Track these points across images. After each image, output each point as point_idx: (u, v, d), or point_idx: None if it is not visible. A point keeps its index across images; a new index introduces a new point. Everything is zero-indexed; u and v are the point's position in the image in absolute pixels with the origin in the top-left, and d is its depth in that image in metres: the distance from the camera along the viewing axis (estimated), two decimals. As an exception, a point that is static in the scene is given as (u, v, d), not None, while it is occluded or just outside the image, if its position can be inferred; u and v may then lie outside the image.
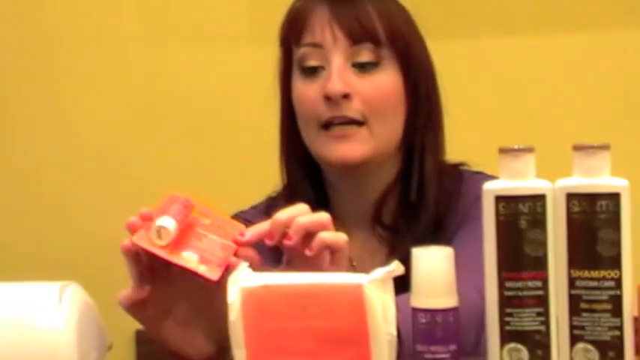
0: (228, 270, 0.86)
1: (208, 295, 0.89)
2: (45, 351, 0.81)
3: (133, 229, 0.88)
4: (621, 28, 1.69)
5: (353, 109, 1.08)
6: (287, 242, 0.90)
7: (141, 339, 1.69)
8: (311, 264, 0.89)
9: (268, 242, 0.91)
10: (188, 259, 0.88)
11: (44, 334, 0.81)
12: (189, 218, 0.91)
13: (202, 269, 0.88)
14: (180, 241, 0.89)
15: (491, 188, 0.79)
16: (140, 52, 1.75)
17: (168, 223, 0.88)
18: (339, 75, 1.08)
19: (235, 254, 0.90)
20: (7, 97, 1.77)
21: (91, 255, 1.70)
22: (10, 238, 1.74)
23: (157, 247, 0.87)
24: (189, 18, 1.75)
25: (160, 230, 0.87)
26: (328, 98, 1.08)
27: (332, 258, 0.91)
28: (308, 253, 0.90)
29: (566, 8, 1.69)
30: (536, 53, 1.69)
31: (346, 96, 1.08)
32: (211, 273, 0.87)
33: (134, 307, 0.91)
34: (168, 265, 0.89)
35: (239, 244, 0.91)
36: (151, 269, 0.90)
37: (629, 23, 1.69)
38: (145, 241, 0.87)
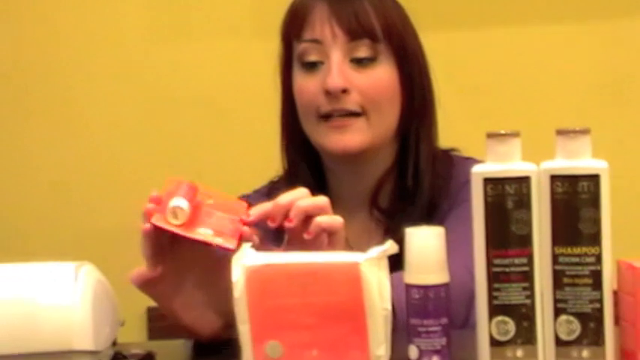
0: (241, 240, 0.91)
1: (215, 272, 0.93)
2: (61, 327, 0.83)
3: (149, 215, 0.92)
4: (604, 17, 1.72)
5: (351, 102, 1.13)
6: (288, 224, 0.94)
7: (152, 315, 1.71)
8: (310, 245, 0.93)
9: (271, 224, 0.95)
10: (204, 234, 0.93)
11: (61, 311, 0.84)
12: (195, 199, 0.96)
13: (219, 241, 0.92)
14: (192, 219, 0.93)
15: (479, 171, 0.82)
16: (144, 47, 1.76)
17: (182, 203, 0.92)
18: (338, 70, 1.12)
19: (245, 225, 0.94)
20: (26, 88, 1.80)
21: (104, 237, 1.74)
22: (29, 223, 1.78)
23: (175, 226, 0.91)
24: (193, 13, 1.76)
25: (175, 210, 0.91)
26: (328, 92, 1.12)
27: (329, 240, 0.95)
28: (306, 236, 0.93)
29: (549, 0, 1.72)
30: (521, 43, 1.72)
31: (345, 90, 1.12)
32: (228, 243, 0.91)
33: (146, 285, 0.94)
34: (179, 244, 0.93)
35: (245, 223, 0.94)
36: (163, 249, 0.94)
37: (612, 13, 1.72)
38: (163, 222, 0.92)
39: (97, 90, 1.79)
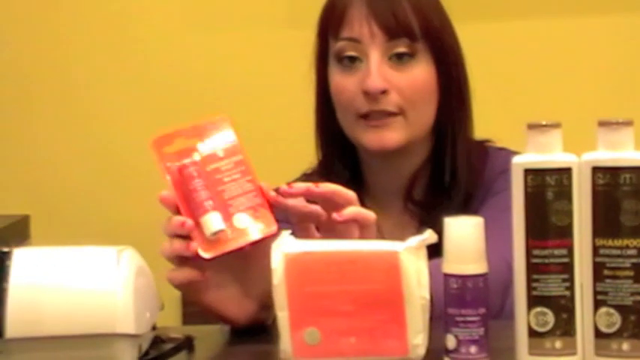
0: (272, 209, 0.90)
1: (247, 258, 0.92)
2: (104, 310, 0.85)
3: (193, 251, 0.89)
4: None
5: (391, 103, 1.13)
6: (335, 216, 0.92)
7: (186, 300, 1.74)
8: (340, 236, 0.92)
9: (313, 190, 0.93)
10: (244, 225, 0.90)
11: (103, 295, 0.85)
12: (203, 176, 0.91)
13: (263, 230, 0.89)
14: (220, 204, 0.90)
15: (520, 162, 0.82)
16: (179, 36, 1.78)
17: (217, 224, 0.88)
18: (377, 71, 1.12)
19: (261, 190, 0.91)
20: (47, 80, 1.83)
21: (143, 224, 1.76)
22: (71, 210, 1.82)
23: (226, 244, 0.89)
24: (228, 2, 1.77)
25: (217, 234, 0.89)
26: (367, 93, 1.13)
27: (360, 234, 0.94)
28: (336, 217, 0.91)
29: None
30: (561, 34, 1.72)
31: (384, 91, 1.13)
32: (269, 226, 0.90)
33: (185, 286, 0.93)
34: None
35: (285, 194, 0.92)
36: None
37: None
38: (212, 249, 0.89)
39: (130, 84, 1.81)
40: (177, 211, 0.91)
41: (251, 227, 0.91)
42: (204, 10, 1.79)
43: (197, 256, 0.90)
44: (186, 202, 0.90)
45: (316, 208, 0.94)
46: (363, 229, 0.94)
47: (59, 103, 1.85)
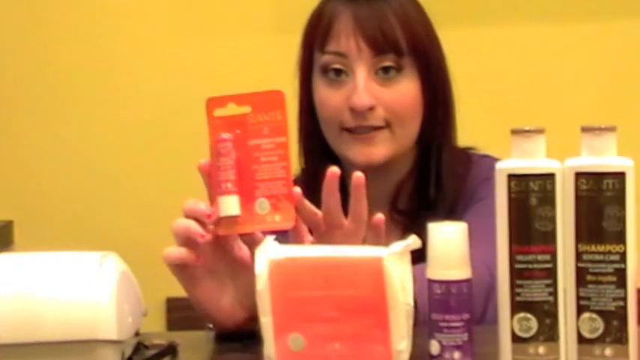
0: (296, 208, 0.90)
1: (245, 266, 0.93)
2: (86, 316, 0.84)
3: (207, 240, 0.91)
4: (626, 16, 1.71)
5: (377, 118, 1.14)
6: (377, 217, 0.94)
7: (171, 306, 1.73)
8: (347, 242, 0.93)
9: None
10: (264, 212, 0.90)
11: (86, 300, 0.84)
12: (242, 149, 0.91)
13: (279, 223, 0.90)
14: (248, 183, 0.90)
15: (503, 167, 0.82)
16: (165, 43, 1.78)
17: (231, 209, 0.89)
18: (364, 88, 1.12)
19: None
20: (35, 84, 1.82)
21: (127, 229, 1.76)
22: (53, 213, 1.81)
23: (239, 226, 0.90)
24: (213, 9, 1.77)
25: (228, 219, 0.90)
26: (353, 110, 1.13)
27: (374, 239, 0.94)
28: (381, 217, 0.93)
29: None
30: (546, 40, 1.73)
31: (371, 108, 1.13)
32: (287, 221, 0.90)
33: (179, 267, 0.94)
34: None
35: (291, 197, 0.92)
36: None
37: (633, 12, 1.71)
38: (225, 227, 0.90)
39: (119, 87, 1.81)
40: (209, 183, 0.92)
41: (269, 216, 0.91)
42: (190, 16, 1.79)
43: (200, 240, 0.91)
44: (214, 176, 0.92)
45: (321, 219, 0.94)
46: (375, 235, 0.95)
47: (42, 109, 1.84)
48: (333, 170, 0.93)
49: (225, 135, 0.92)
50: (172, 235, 0.93)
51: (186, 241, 0.93)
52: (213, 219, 0.91)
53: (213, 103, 0.93)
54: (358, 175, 0.93)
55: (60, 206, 1.82)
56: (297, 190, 0.92)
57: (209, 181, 0.93)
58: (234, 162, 0.91)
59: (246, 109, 0.92)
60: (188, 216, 0.93)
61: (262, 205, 0.91)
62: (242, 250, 0.95)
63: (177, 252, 0.93)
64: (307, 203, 0.94)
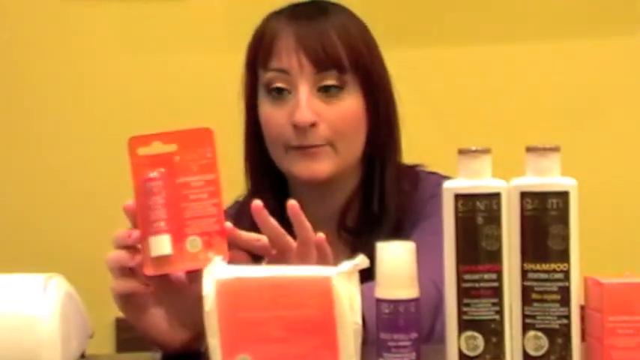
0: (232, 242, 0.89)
1: (185, 286, 0.92)
2: (29, 337, 0.83)
3: (137, 261, 0.90)
4: (574, 36, 1.75)
5: (319, 136, 1.14)
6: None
7: (120, 326, 1.71)
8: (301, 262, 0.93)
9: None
10: (195, 250, 0.90)
11: (29, 322, 0.83)
12: (169, 188, 0.90)
13: (212, 258, 0.87)
14: (177, 222, 0.89)
15: (450, 187, 0.83)
16: (117, 59, 1.77)
17: (163, 248, 0.88)
18: (307, 105, 1.13)
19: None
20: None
21: (73, 250, 1.73)
22: (6, 237, 1.77)
23: (170, 266, 0.89)
24: (167, 26, 1.77)
25: (159, 258, 0.89)
26: (296, 126, 1.13)
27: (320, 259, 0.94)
28: (322, 236, 0.93)
29: (519, 19, 1.74)
30: (491, 60, 1.75)
31: (313, 124, 1.13)
32: (220, 255, 0.88)
33: (124, 297, 0.93)
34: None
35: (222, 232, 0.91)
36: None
37: (581, 33, 1.75)
38: (156, 268, 0.89)
39: (71, 103, 1.78)
40: (136, 223, 0.91)
41: (201, 254, 0.90)
42: (142, 33, 1.77)
43: (142, 271, 0.90)
44: (143, 216, 0.90)
45: (266, 243, 0.93)
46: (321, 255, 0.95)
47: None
48: (256, 203, 0.92)
49: (153, 174, 0.90)
50: (108, 270, 0.91)
51: (122, 271, 0.91)
52: (134, 238, 0.89)
53: (136, 141, 0.91)
54: (292, 203, 0.92)
55: (5, 227, 1.78)
56: (229, 224, 0.91)
57: (135, 221, 0.91)
58: (165, 201, 0.90)
59: (172, 148, 0.91)
60: (116, 246, 0.91)
61: (194, 243, 0.90)
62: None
63: (123, 283, 0.92)
64: (243, 234, 0.93)
